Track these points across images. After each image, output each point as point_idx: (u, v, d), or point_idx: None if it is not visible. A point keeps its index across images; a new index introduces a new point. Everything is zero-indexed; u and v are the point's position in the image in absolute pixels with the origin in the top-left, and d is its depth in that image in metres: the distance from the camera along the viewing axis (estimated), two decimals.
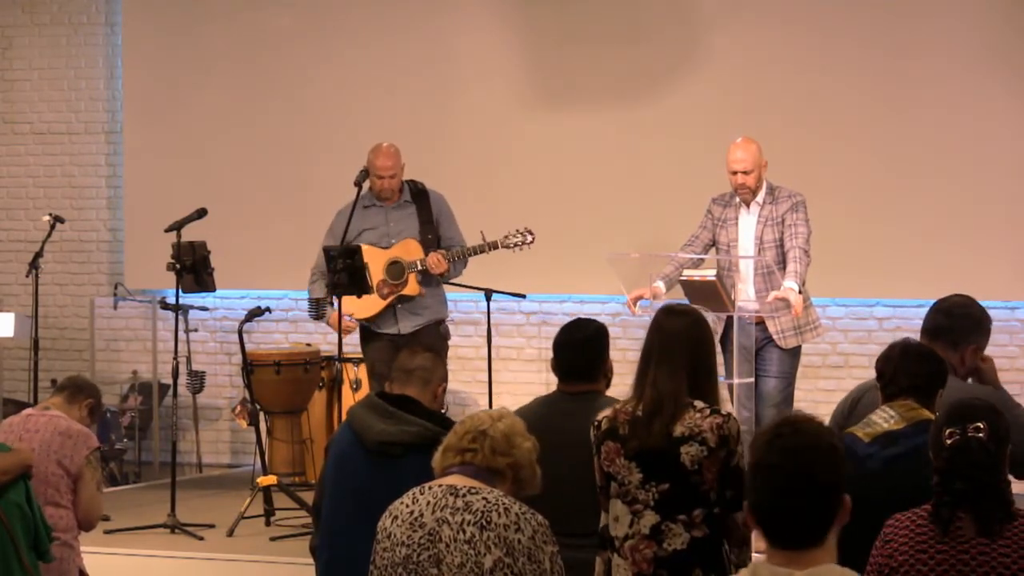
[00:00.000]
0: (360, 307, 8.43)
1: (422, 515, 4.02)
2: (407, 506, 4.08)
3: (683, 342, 4.81)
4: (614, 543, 4.80)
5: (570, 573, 4.65)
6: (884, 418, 4.58)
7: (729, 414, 4.77)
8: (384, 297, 8.44)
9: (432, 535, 3.99)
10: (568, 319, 5.69)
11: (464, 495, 4.02)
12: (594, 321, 5.56)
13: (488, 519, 3.95)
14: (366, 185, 8.41)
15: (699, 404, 4.75)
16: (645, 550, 4.73)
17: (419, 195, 8.56)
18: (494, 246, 8.49)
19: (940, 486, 3.82)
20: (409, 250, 8.48)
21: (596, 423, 4.87)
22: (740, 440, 4.76)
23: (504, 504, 3.99)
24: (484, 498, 4.00)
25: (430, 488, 4.09)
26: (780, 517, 3.18)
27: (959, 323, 5.29)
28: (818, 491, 3.18)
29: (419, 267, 8.39)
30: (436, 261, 8.39)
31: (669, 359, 4.78)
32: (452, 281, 8.67)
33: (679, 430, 4.70)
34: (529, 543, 3.94)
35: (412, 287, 8.44)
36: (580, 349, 5.41)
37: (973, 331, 5.30)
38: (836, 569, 3.18)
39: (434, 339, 8.36)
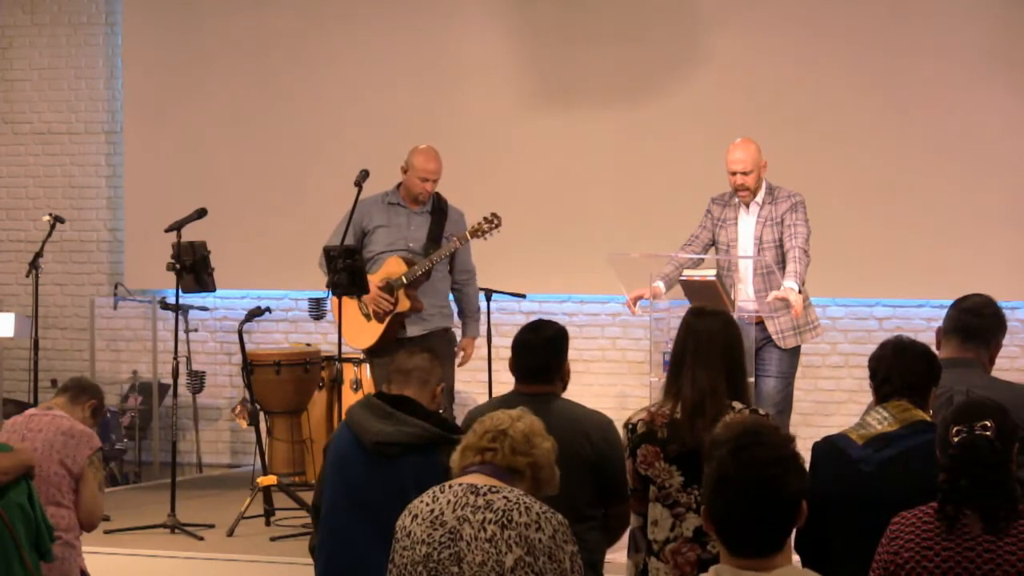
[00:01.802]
0: (363, 337, 8.28)
1: (443, 513, 4.01)
2: (427, 504, 4.07)
3: (718, 343, 4.81)
4: (651, 547, 4.79)
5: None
6: (877, 420, 4.56)
7: (767, 414, 4.76)
8: (381, 320, 8.23)
9: (453, 533, 3.98)
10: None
11: (485, 494, 4.01)
12: (555, 323, 5.47)
13: (509, 518, 3.95)
14: (365, 188, 8.27)
15: (737, 405, 4.75)
16: (688, 553, 4.72)
17: (438, 211, 8.34)
18: (464, 240, 8.22)
19: (946, 483, 3.82)
20: (399, 266, 8.24)
21: (630, 426, 4.83)
22: None
23: (525, 503, 3.99)
24: (505, 497, 4.00)
25: (450, 487, 4.08)
26: (747, 527, 3.20)
27: (989, 322, 5.26)
28: (787, 502, 3.21)
29: (404, 281, 8.13)
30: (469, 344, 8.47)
31: (706, 360, 4.78)
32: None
33: None
34: (550, 542, 3.94)
35: (403, 303, 8.17)
36: (540, 350, 5.32)
37: (999, 329, 5.30)
38: (798, 570, 3.20)
39: (443, 343, 8.25)
